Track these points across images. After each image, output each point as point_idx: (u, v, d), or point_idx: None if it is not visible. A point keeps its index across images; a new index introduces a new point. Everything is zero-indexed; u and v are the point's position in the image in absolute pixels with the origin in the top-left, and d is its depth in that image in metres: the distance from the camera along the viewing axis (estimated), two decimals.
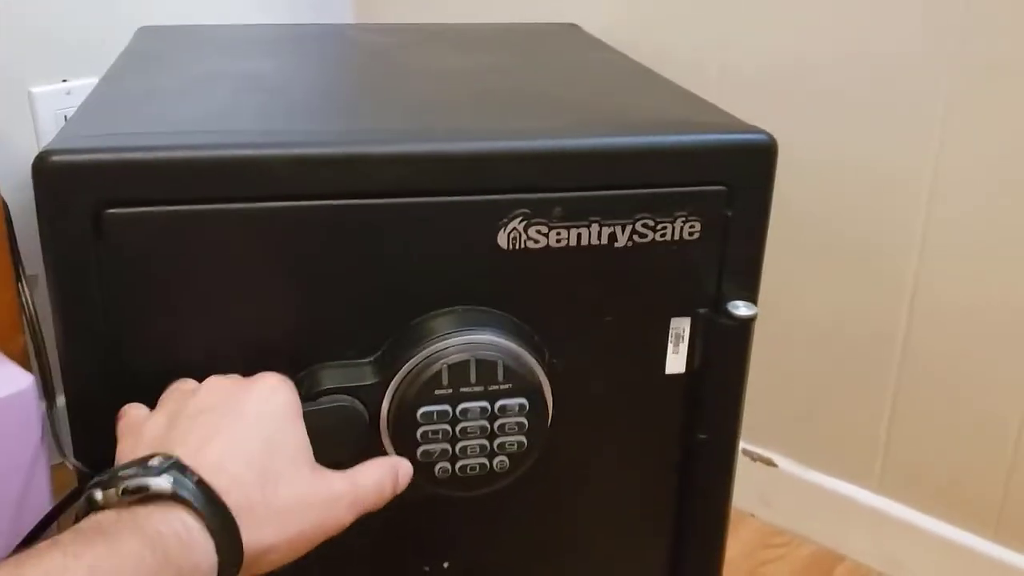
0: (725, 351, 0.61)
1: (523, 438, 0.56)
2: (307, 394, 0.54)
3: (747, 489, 1.01)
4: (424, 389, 0.54)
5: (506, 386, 0.55)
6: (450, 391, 0.54)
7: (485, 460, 0.56)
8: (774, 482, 1.05)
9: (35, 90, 0.99)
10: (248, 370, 0.52)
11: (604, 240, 0.57)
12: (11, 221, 0.66)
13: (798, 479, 1.03)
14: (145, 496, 0.42)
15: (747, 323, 0.59)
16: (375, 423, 0.55)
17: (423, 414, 0.54)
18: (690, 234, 0.58)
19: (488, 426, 0.55)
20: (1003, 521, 0.91)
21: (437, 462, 0.56)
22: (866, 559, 1.00)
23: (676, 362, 0.61)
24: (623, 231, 0.57)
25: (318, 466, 0.49)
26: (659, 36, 0.99)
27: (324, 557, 0.48)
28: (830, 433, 1.01)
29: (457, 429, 0.55)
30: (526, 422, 0.56)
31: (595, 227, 0.56)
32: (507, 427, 0.56)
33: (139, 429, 0.49)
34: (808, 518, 1.03)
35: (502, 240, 0.55)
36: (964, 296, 0.88)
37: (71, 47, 1.00)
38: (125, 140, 0.52)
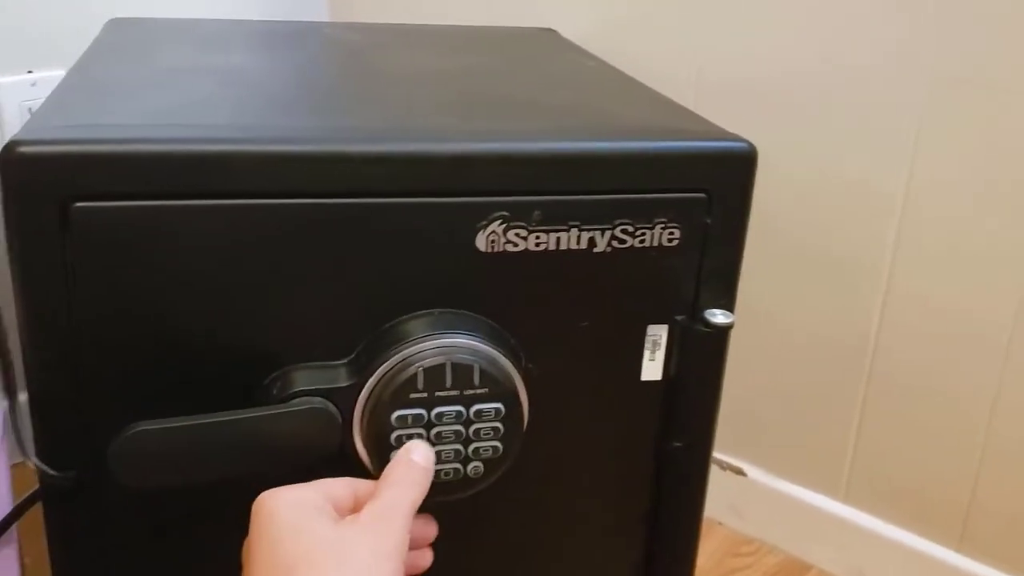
0: (702, 359, 0.60)
1: (498, 443, 0.55)
2: (279, 395, 0.53)
3: (716, 497, 1.01)
4: (399, 392, 0.53)
5: (482, 390, 0.54)
6: (425, 395, 0.54)
7: (459, 465, 0.55)
8: (743, 491, 1.05)
9: None
10: (219, 371, 0.51)
11: (583, 245, 0.56)
12: None
13: (767, 488, 1.04)
14: None
15: (724, 331, 0.59)
16: (348, 426, 0.54)
17: (397, 417, 0.54)
18: (669, 240, 0.58)
19: (463, 431, 0.54)
20: (968, 531, 0.92)
21: None
22: (833, 568, 1.01)
23: (652, 369, 0.61)
24: (602, 236, 0.56)
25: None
26: (636, 44, 0.99)
27: None
28: (799, 442, 1.01)
29: (432, 433, 0.54)
30: (502, 427, 0.55)
31: (574, 231, 0.56)
32: (482, 432, 0.55)
33: None
34: (776, 527, 1.04)
35: (480, 243, 0.55)
36: (933, 307, 0.88)
37: (36, 38, 0.98)
38: (95, 132, 0.51)
